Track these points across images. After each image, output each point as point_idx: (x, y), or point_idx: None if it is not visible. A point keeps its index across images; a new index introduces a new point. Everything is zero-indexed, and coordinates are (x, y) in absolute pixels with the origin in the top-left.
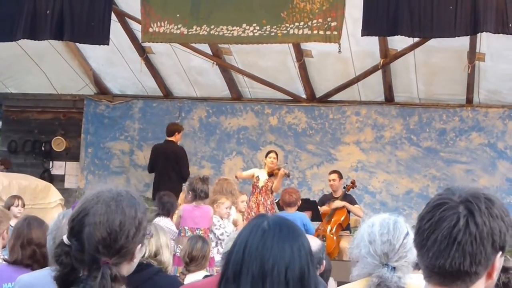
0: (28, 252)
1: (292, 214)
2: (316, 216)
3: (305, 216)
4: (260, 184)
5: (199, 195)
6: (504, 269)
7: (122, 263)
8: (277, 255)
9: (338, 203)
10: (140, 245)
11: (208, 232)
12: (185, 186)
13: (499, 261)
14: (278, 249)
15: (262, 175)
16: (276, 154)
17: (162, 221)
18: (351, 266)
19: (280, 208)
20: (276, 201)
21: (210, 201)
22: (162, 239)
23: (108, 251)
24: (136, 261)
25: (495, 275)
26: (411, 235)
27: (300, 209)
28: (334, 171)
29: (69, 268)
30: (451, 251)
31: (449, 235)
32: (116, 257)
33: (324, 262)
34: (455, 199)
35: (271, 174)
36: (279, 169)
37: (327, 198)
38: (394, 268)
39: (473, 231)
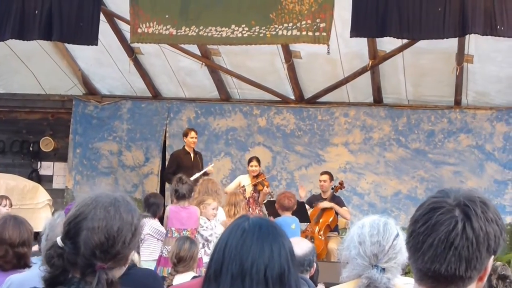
0: (0, 252)
1: (292, 217)
2: (304, 217)
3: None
4: (247, 194)
5: (177, 195)
6: (503, 277)
7: (116, 268)
8: (256, 254)
9: (326, 204)
10: (133, 252)
11: (195, 232)
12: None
13: (490, 264)
14: (257, 248)
15: (247, 183)
16: (258, 161)
17: (149, 223)
18: (340, 267)
19: (272, 211)
20: (264, 202)
21: (196, 202)
22: None
23: (104, 256)
24: (126, 265)
25: (486, 278)
26: (401, 237)
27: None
28: (325, 172)
29: (60, 270)
30: (447, 255)
31: (446, 239)
32: (112, 262)
33: (315, 265)
34: (451, 202)
35: (255, 185)
36: (262, 185)
37: (315, 199)
38: (383, 269)
39: (470, 236)
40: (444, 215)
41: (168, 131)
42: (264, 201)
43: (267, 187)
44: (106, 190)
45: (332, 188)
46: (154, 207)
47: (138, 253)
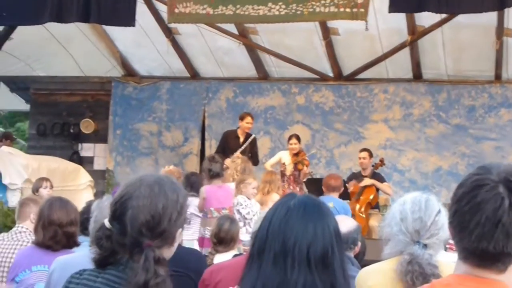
0: (50, 233)
1: (338, 200)
2: (344, 195)
3: (349, 207)
4: (287, 172)
5: (210, 175)
6: None
7: (163, 247)
8: (299, 233)
9: (367, 181)
10: (180, 229)
11: (232, 210)
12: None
13: None
14: (300, 227)
15: (287, 160)
16: (298, 139)
17: (194, 202)
18: (381, 244)
19: (314, 189)
20: (305, 180)
21: (237, 181)
22: None
23: (151, 234)
24: (175, 245)
25: None
26: (443, 213)
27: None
28: (364, 149)
29: (109, 252)
30: (495, 233)
31: (494, 217)
32: (159, 240)
33: (359, 243)
34: (494, 178)
35: (296, 164)
36: (302, 164)
37: (355, 176)
38: (425, 246)
39: None
40: (489, 193)
41: (207, 111)
42: (305, 179)
43: (306, 166)
44: (150, 171)
45: (373, 165)
46: (196, 185)
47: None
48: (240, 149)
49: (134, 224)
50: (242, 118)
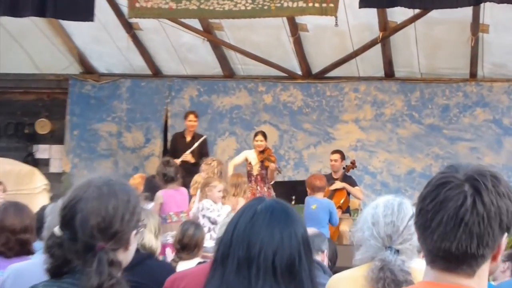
0: (2, 240)
1: (322, 199)
2: None
3: (334, 204)
4: (254, 172)
5: (165, 179)
6: None
7: (118, 250)
8: (265, 239)
9: (338, 184)
10: (135, 232)
11: (190, 214)
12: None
13: (504, 243)
14: (266, 234)
15: (253, 159)
16: (264, 136)
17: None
18: (353, 250)
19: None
20: (272, 183)
21: (202, 184)
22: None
23: (103, 236)
24: (131, 249)
25: (500, 257)
26: None
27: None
28: (336, 151)
29: (62, 260)
30: (457, 232)
31: (456, 215)
32: (112, 242)
33: (325, 251)
34: (460, 177)
35: (262, 161)
36: (269, 160)
37: (326, 179)
38: (398, 251)
39: (481, 211)
40: (453, 190)
41: (170, 110)
42: (272, 182)
43: (274, 162)
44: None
45: (344, 168)
46: (157, 189)
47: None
48: (189, 150)
49: (84, 228)
50: (185, 117)
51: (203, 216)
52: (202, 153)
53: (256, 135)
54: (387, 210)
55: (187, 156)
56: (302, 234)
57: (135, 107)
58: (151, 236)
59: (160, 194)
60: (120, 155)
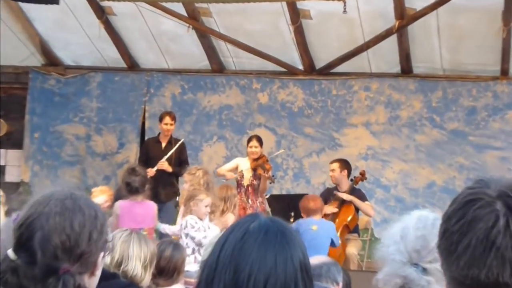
0: None
1: (321, 221)
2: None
3: (334, 226)
4: (245, 182)
5: (129, 189)
6: None
7: (84, 275)
8: (256, 263)
9: (345, 195)
10: (102, 254)
11: (152, 232)
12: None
13: None
14: (257, 257)
15: (246, 168)
16: (259, 141)
17: None
18: (363, 276)
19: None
20: (267, 196)
21: (186, 197)
22: (135, 249)
23: (68, 257)
24: (98, 274)
25: None
26: None
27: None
28: (335, 160)
29: None
30: (488, 258)
31: (486, 238)
32: (78, 264)
33: (341, 283)
34: (491, 193)
35: (255, 169)
36: (262, 168)
37: (330, 193)
38: (425, 270)
39: None
40: (483, 209)
41: (148, 110)
42: (267, 195)
43: (268, 170)
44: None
45: (351, 180)
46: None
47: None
48: (165, 157)
49: (46, 248)
50: (160, 119)
51: (186, 235)
52: (181, 160)
53: (250, 140)
54: (420, 223)
55: (163, 164)
56: (301, 260)
57: (107, 106)
58: (138, 264)
59: (117, 205)
60: (88, 162)
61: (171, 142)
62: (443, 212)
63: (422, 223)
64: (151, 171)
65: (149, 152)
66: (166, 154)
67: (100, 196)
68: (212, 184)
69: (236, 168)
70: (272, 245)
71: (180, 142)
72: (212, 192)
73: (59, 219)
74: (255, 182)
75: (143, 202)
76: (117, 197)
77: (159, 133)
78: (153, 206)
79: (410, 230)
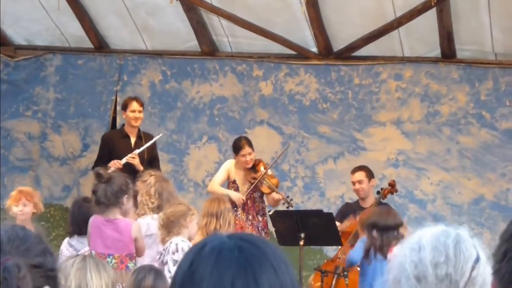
0: None
1: None
2: (334, 238)
3: None
4: (243, 193)
5: (96, 201)
6: None
7: None
8: None
9: None
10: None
11: (126, 261)
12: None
13: None
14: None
15: (239, 175)
16: (251, 144)
17: (76, 242)
18: None
19: (282, 225)
20: (270, 213)
21: (174, 213)
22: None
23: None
24: None
25: None
26: (484, 261)
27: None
28: (360, 168)
29: None
30: None
31: None
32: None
33: None
34: None
35: (252, 183)
36: (270, 188)
37: (351, 209)
38: None
39: None
40: None
41: (119, 102)
42: (270, 212)
43: (276, 187)
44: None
45: (378, 192)
46: (84, 216)
47: None
48: (138, 150)
49: None
50: (124, 107)
51: (175, 262)
52: (153, 157)
53: (239, 147)
54: (439, 255)
55: (135, 158)
56: (272, 282)
57: (68, 97)
58: None
59: (90, 220)
60: (44, 167)
61: (141, 137)
62: (493, 233)
63: (443, 254)
64: (117, 163)
65: (113, 150)
66: (139, 153)
67: (13, 206)
68: (170, 195)
69: (228, 176)
70: (227, 267)
71: (158, 137)
72: (167, 205)
73: None
74: (254, 194)
75: (116, 220)
76: (74, 214)
77: (123, 125)
78: (128, 226)
79: (428, 267)
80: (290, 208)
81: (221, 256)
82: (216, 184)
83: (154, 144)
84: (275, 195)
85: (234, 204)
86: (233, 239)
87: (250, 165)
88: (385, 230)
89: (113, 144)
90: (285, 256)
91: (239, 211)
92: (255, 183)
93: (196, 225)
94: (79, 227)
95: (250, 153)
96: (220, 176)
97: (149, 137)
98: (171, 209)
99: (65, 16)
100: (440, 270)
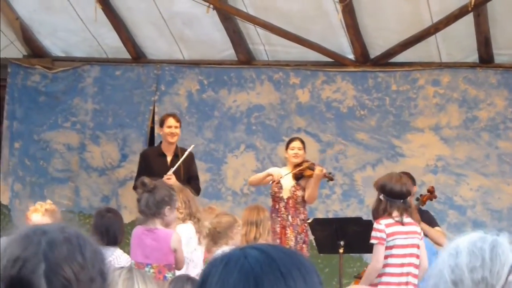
0: None
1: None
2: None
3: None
4: (285, 194)
5: (140, 210)
6: None
7: None
8: None
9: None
10: None
11: (164, 272)
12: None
13: None
14: None
15: (285, 178)
16: (303, 143)
17: (111, 253)
18: None
19: (322, 233)
20: (309, 221)
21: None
22: None
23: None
24: None
25: None
26: None
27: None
28: (403, 174)
29: None
30: None
31: None
32: None
33: None
34: None
35: (299, 177)
36: (311, 168)
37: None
38: None
39: None
40: None
41: (157, 112)
42: (309, 220)
43: (320, 169)
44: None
45: (417, 199)
46: (115, 228)
47: None
48: (172, 169)
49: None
50: (161, 123)
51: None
52: (190, 175)
53: (291, 141)
54: (475, 259)
55: (171, 178)
56: None
57: (106, 108)
58: None
59: (133, 231)
60: (83, 178)
61: (178, 154)
62: None
63: (479, 259)
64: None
65: (149, 168)
66: (175, 170)
67: (34, 214)
68: (194, 203)
69: (267, 176)
70: (231, 273)
71: (190, 149)
72: (216, 215)
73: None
74: (297, 193)
75: (156, 230)
76: (97, 224)
77: (160, 142)
78: (168, 236)
79: (464, 271)
80: (330, 182)
81: (228, 264)
82: (252, 178)
83: (191, 160)
84: (317, 172)
85: (275, 206)
86: (247, 248)
87: (298, 160)
88: (390, 195)
89: (149, 162)
90: (307, 264)
91: (282, 210)
92: (298, 170)
93: (240, 235)
94: (101, 238)
95: (300, 148)
96: (259, 174)
97: (183, 151)
98: (217, 220)
99: (102, 27)
100: (476, 274)
